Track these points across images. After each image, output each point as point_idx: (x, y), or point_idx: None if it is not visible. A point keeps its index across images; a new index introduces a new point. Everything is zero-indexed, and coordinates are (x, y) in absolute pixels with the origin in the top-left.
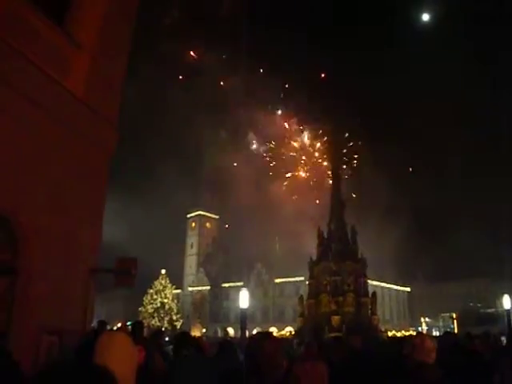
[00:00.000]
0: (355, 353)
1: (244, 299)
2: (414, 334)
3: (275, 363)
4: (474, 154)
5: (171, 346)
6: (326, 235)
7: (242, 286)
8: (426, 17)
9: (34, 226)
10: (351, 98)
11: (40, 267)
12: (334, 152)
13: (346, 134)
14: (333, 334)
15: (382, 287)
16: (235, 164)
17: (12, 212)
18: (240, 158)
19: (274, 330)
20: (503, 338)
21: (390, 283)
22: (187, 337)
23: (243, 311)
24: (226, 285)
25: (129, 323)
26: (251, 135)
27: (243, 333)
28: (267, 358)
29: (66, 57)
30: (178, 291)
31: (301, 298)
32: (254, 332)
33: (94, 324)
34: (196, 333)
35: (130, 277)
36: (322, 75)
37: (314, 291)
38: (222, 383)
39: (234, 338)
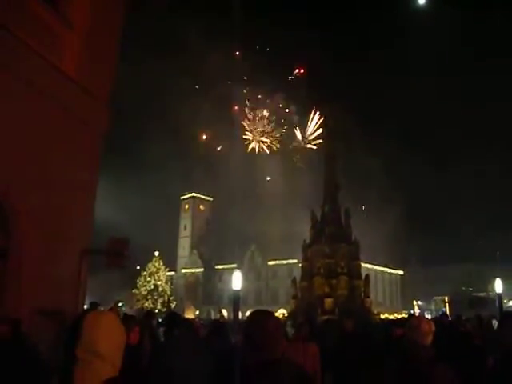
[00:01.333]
0: (347, 335)
1: (237, 281)
2: (406, 316)
3: (275, 341)
4: (470, 138)
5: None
6: (319, 218)
7: (236, 268)
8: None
9: (25, 207)
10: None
11: (31, 248)
12: (328, 132)
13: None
14: (325, 317)
15: (375, 270)
16: (219, 148)
17: (1, 193)
18: (229, 140)
19: None
20: (494, 322)
21: (384, 266)
22: (177, 317)
23: (236, 293)
24: (220, 267)
25: (120, 304)
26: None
27: (236, 315)
28: (267, 336)
29: (58, 36)
30: (172, 273)
31: (294, 280)
32: (247, 314)
33: (87, 306)
34: (189, 315)
35: (122, 258)
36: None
37: (307, 274)
38: (214, 363)
39: (227, 319)
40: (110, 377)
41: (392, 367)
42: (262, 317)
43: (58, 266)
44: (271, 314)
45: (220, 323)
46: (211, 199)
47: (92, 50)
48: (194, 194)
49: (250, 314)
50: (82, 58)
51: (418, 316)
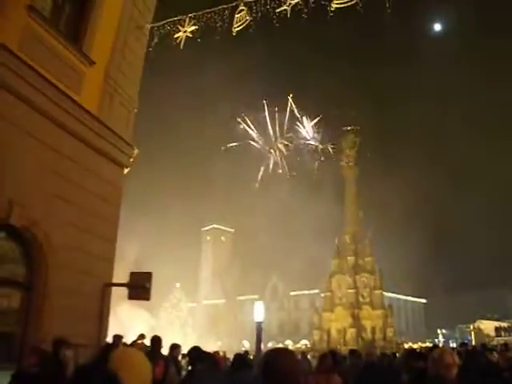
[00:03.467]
0: (371, 366)
1: (259, 312)
2: (431, 345)
3: (293, 379)
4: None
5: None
6: (341, 246)
7: (258, 300)
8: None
9: (51, 242)
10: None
11: (55, 282)
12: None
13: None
14: (348, 347)
15: (398, 299)
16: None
17: (29, 227)
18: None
19: (289, 343)
20: None
21: (406, 295)
22: (200, 352)
23: (258, 324)
24: (242, 298)
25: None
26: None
27: (258, 346)
28: (284, 375)
29: (81, 74)
30: (194, 304)
31: (316, 311)
32: (270, 345)
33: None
34: (212, 346)
35: (145, 291)
36: None
37: (330, 304)
38: None
39: (249, 351)
40: None
41: None
42: (279, 356)
43: (81, 300)
44: (287, 351)
45: (242, 356)
46: (232, 230)
47: (114, 87)
48: (214, 226)
49: (266, 353)
50: (104, 95)
51: (441, 347)
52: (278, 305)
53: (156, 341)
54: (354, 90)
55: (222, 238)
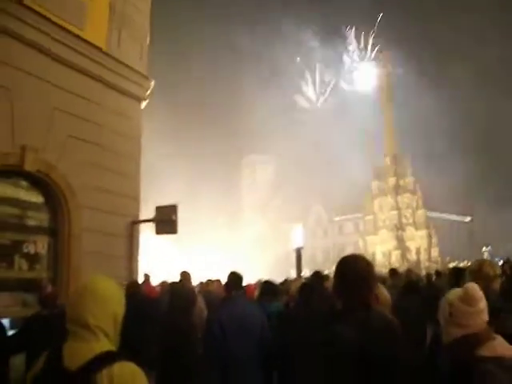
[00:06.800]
0: (408, 285)
1: (298, 237)
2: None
3: (367, 285)
4: None
5: None
6: (381, 169)
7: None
8: None
9: (70, 184)
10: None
11: (80, 224)
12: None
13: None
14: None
15: (442, 218)
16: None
17: (45, 171)
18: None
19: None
20: None
21: (450, 213)
22: (238, 278)
23: (298, 249)
24: (286, 226)
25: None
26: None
27: (299, 272)
28: (359, 279)
29: (82, 7)
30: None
31: (361, 235)
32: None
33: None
34: (256, 275)
35: (172, 224)
36: None
37: (373, 227)
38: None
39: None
40: (103, 351)
41: None
42: (354, 259)
43: (109, 240)
44: (364, 258)
45: (270, 283)
46: (274, 158)
47: (121, 19)
48: (255, 155)
49: (343, 257)
50: (111, 27)
51: (480, 260)
52: (322, 231)
53: (185, 276)
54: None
55: (263, 166)
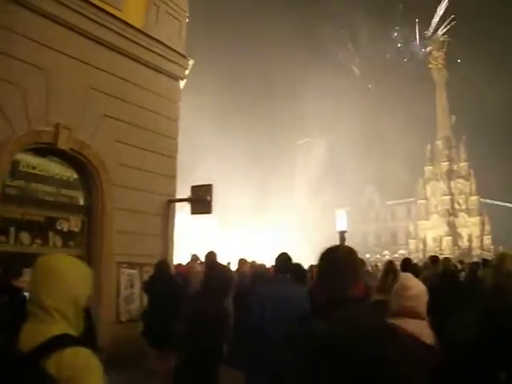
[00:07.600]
0: (445, 275)
1: (342, 221)
2: None
3: (346, 275)
4: None
5: None
6: (434, 153)
7: (352, 211)
8: None
9: (104, 162)
10: None
11: (114, 202)
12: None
13: None
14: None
15: (496, 205)
16: None
17: (78, 149)
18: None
19: (386, 253)
20: None
21: (505, 201)
22: (288, 259)
23: (341, 233)
24: (338, 210)
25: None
26: None
27: None
28: (335, 268)
29: None
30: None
31: (412, 220)
32: (367, 257)
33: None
34: (302, 253)
35: (207, 204)
36: None
37: (425, 212)
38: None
39: None
40: (57, 334)
41: None
42: (335, 248)
43: (145, 218)
44: (347, 246)
45: (300, 268)
46: (328, 141)
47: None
48: (309, 139)
49: (325, 248)
50: (150, 7)
51: (505, 252)
52: (374, 215)
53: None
54: None
55: (316, 150)
